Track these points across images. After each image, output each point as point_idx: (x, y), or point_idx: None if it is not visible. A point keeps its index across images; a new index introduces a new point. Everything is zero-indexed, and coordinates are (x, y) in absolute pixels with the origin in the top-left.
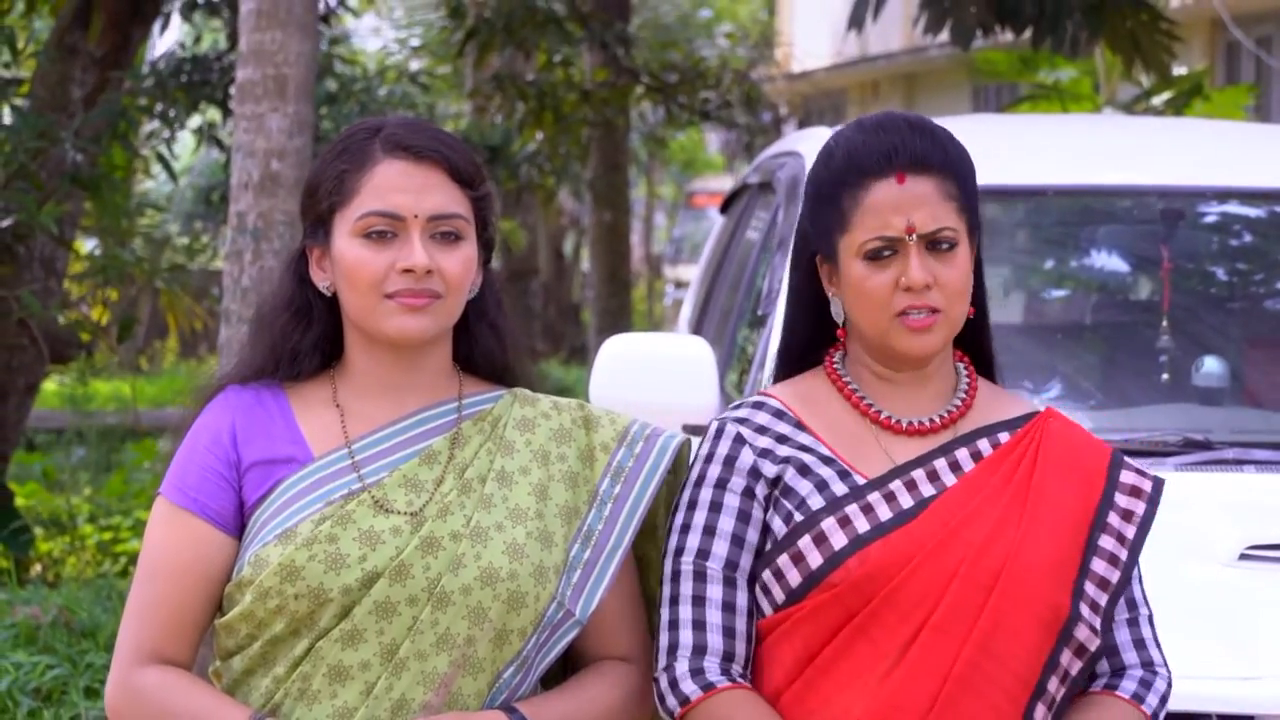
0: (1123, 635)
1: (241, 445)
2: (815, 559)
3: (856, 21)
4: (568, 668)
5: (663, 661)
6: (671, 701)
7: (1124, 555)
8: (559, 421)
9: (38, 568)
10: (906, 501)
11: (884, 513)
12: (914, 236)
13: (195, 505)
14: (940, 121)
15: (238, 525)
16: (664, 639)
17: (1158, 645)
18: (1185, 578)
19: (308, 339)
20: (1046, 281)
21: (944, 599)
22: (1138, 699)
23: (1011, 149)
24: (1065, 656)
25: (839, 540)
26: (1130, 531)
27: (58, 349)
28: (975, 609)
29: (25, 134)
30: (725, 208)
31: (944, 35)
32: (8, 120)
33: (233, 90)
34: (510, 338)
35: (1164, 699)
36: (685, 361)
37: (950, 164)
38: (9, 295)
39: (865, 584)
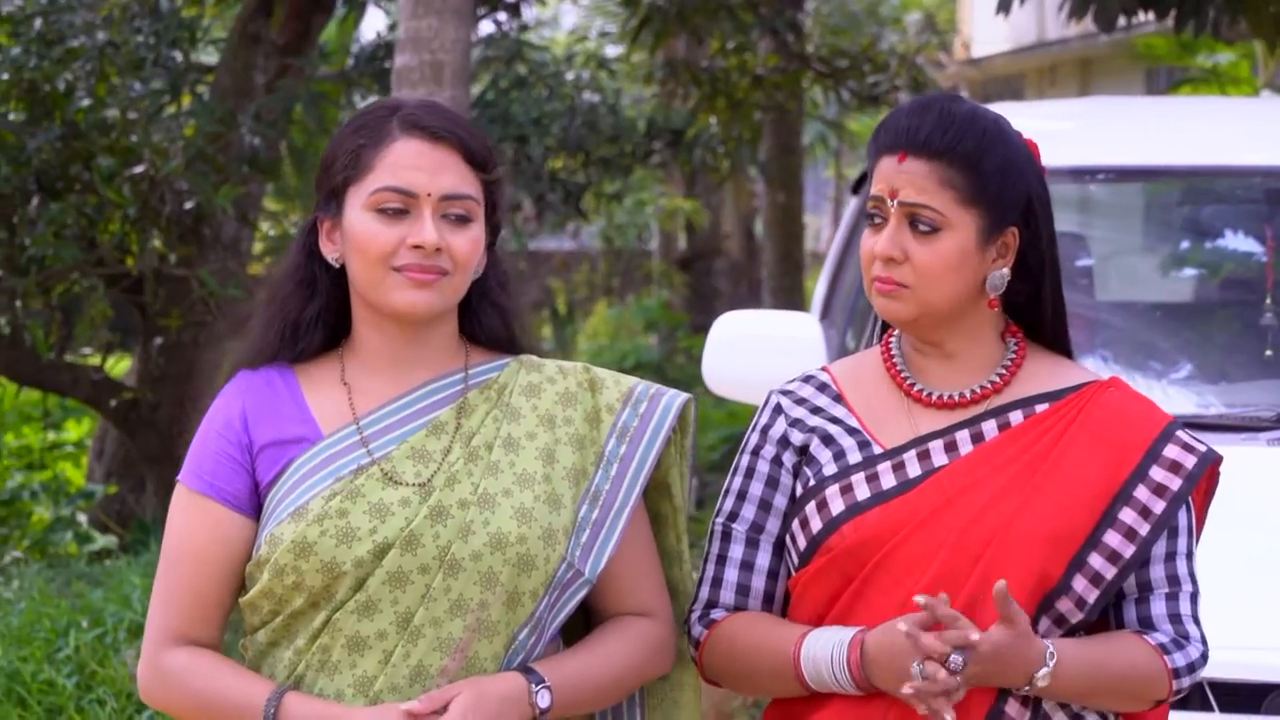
0: (1158, 608)
1: (252, 428)
2: (816, 524)
3: (1004, 6)
4: (589, 625)
5: (685, 615)
6: (690, 650)
7: (1144, 530)
8: (564, 385)
9: None
10: (914, 471)
11: (888, 481)
12: (895, 202)
13: (212, 490)
14: (1049, 104)
15: (254, 506)
16: (694, 593)
17: (1196, 622)
18: (1271, 551)
19: (309, 311)
20: (1150, 260)
21: (933, 566)
22: (1164, 650)
23: (1121, 130)
24: (1043, 625)
25: (837, 506)
26: (1159, 506)
27: (237, 326)
28: (963, 577)
29: (204, 119)
30: (856, 188)
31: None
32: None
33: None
34: (514, 316)
35: (1193, 667)
36: (793, 339)
37: (961, 155)
38: (191, 275)
39: (859, 550)
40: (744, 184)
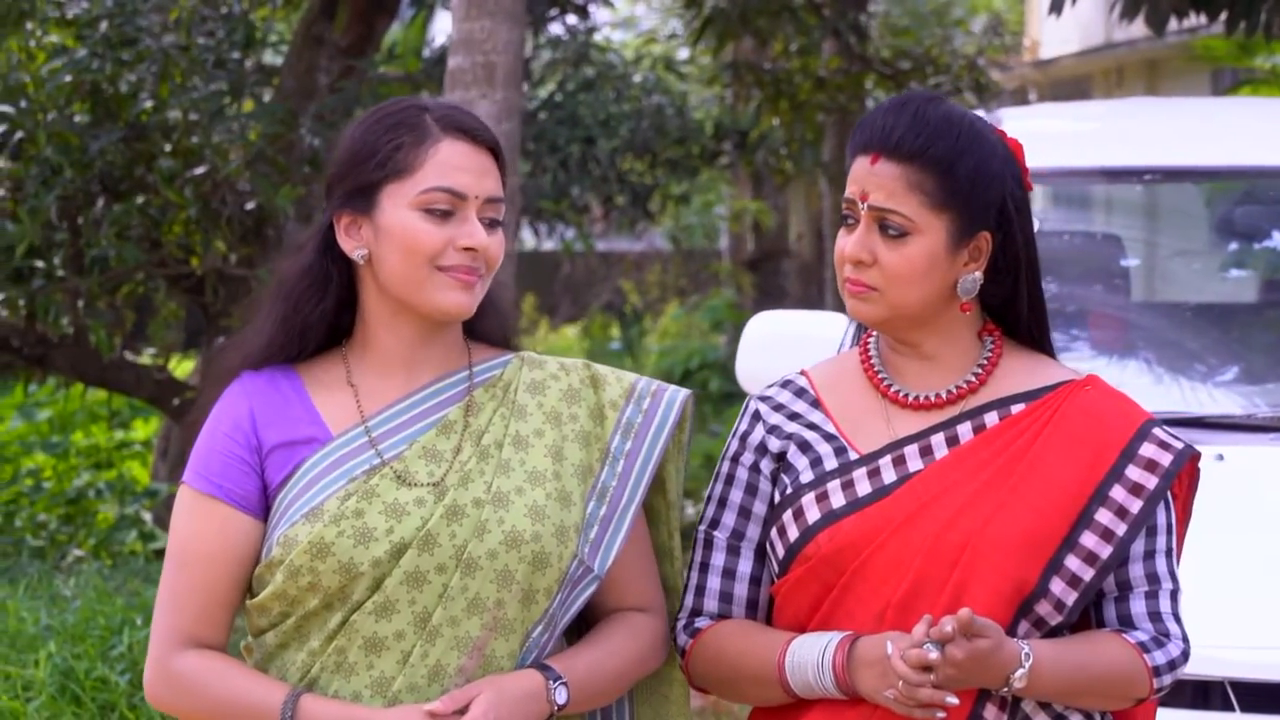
0: (1138, 607)
1: (261, 429)
2: (793, 533)
3: (1056, 6)
4: (582, 620)
5: (674, 618)
6: (678, 659)
7: (1121, 530)
8: (568, 382)
9: None
10: (890, 477)
11: (864, 488)
12: (865, 205)
13: (220, 491)
14: (1082, 105)
15: (263, 508)
16: (680, 600)
17: (1177, 620)
18: None
19: (319, 310)
20: (1194, 260)
21: (909, 573)
22: (1143, 648)
23: (1167, 132)
24: (1022, 628)
25: (813, 515)
26: (1135, 505)
27: None
28: (940, 583)
29: (266, 121)
30: None
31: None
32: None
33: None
34: (507, 314)
35: (1174, 665)
36: (825, 338)
37: (932, 159)
38: (251, 275)
39: (836, 558)
40: (813, 185)
